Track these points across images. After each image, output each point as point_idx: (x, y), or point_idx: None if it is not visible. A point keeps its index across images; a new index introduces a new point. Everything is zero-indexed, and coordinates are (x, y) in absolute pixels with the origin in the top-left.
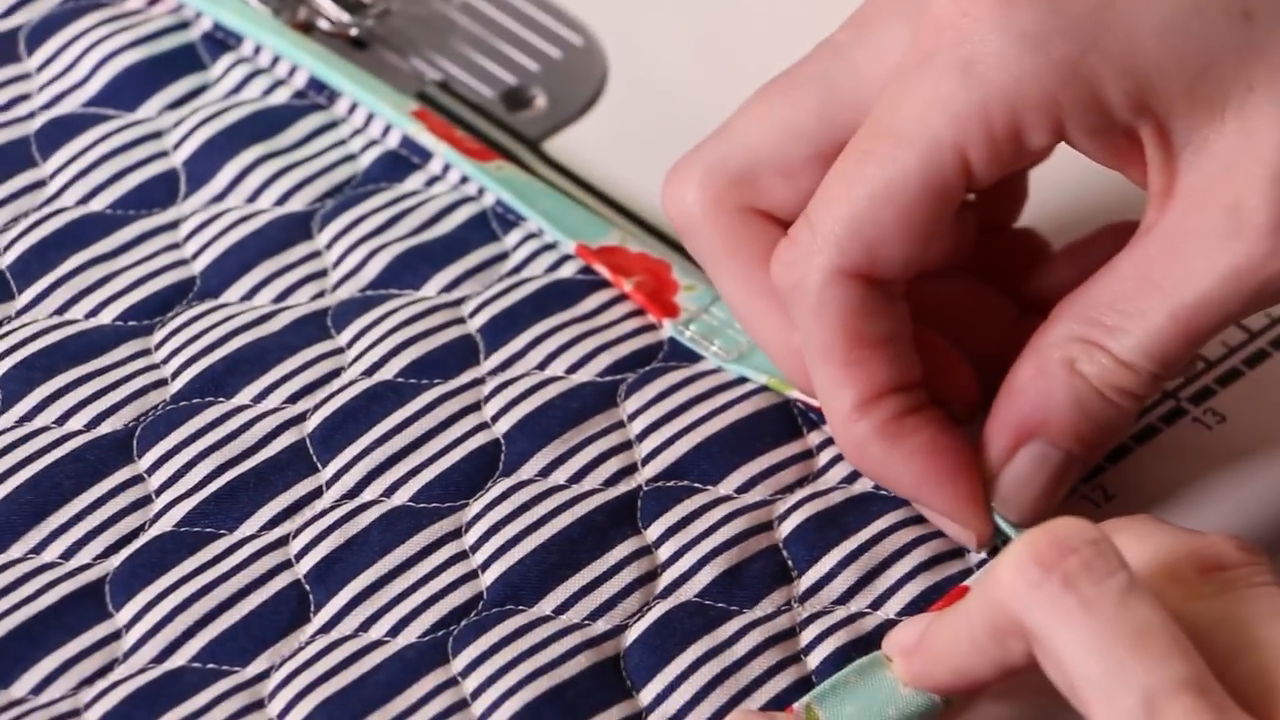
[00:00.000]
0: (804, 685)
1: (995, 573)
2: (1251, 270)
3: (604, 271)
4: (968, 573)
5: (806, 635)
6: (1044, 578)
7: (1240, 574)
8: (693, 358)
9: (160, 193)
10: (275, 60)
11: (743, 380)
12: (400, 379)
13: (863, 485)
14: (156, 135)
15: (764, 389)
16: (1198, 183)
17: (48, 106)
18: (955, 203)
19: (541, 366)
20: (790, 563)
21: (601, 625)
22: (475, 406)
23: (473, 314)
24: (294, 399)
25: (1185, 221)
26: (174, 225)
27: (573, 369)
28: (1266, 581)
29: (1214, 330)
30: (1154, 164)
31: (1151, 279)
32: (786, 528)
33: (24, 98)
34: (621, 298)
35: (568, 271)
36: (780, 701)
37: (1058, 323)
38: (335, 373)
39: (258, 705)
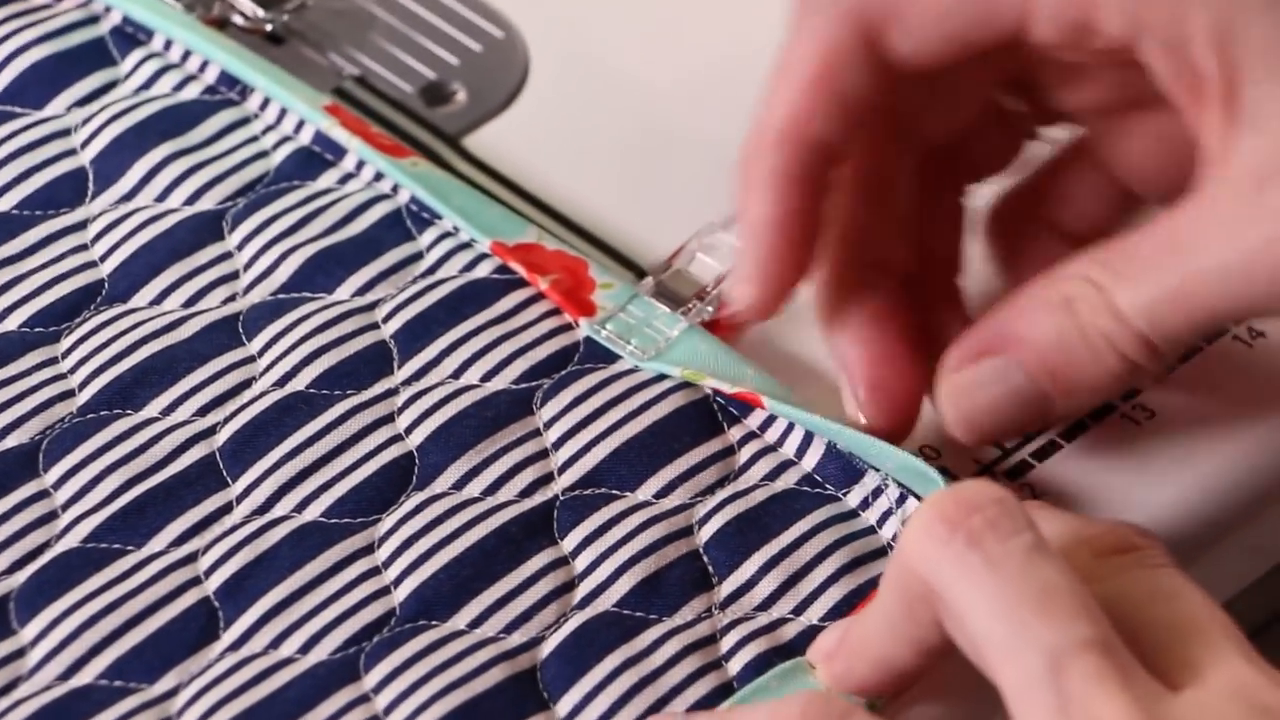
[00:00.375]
0: (724, 692)
1: (903, 536)
2: (1275, 256)
3: (520, 270)
4: None
5: (727, 641)
6: (949, 535)
7: (1137, 557)
8: (610, 358)
9: (68, 192)
10: (186, 55)
11: (660, 379)
12: (312, 390)
13: (784, 482)
14: (64, 133)
15: (683, 386)
16: (1251, 155)
17: None
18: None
19: (456, 374)
20: (710, 569)
21: (517, 638)
22: (389, 418)
23: (386, 318)
24: (204, 411)
25: (1228, 191)
26: (82, 225)
27: (488, 376)
28: (1164, 563)
29: (1218, 314)
30: (1213, 121)
31: (1177, 238)
32: (706, 532)
33: None
34: (538, 297)
35: (483, 271)
36: (700, 709)
37: (1076, 260)
38: (246, 383)
39: None
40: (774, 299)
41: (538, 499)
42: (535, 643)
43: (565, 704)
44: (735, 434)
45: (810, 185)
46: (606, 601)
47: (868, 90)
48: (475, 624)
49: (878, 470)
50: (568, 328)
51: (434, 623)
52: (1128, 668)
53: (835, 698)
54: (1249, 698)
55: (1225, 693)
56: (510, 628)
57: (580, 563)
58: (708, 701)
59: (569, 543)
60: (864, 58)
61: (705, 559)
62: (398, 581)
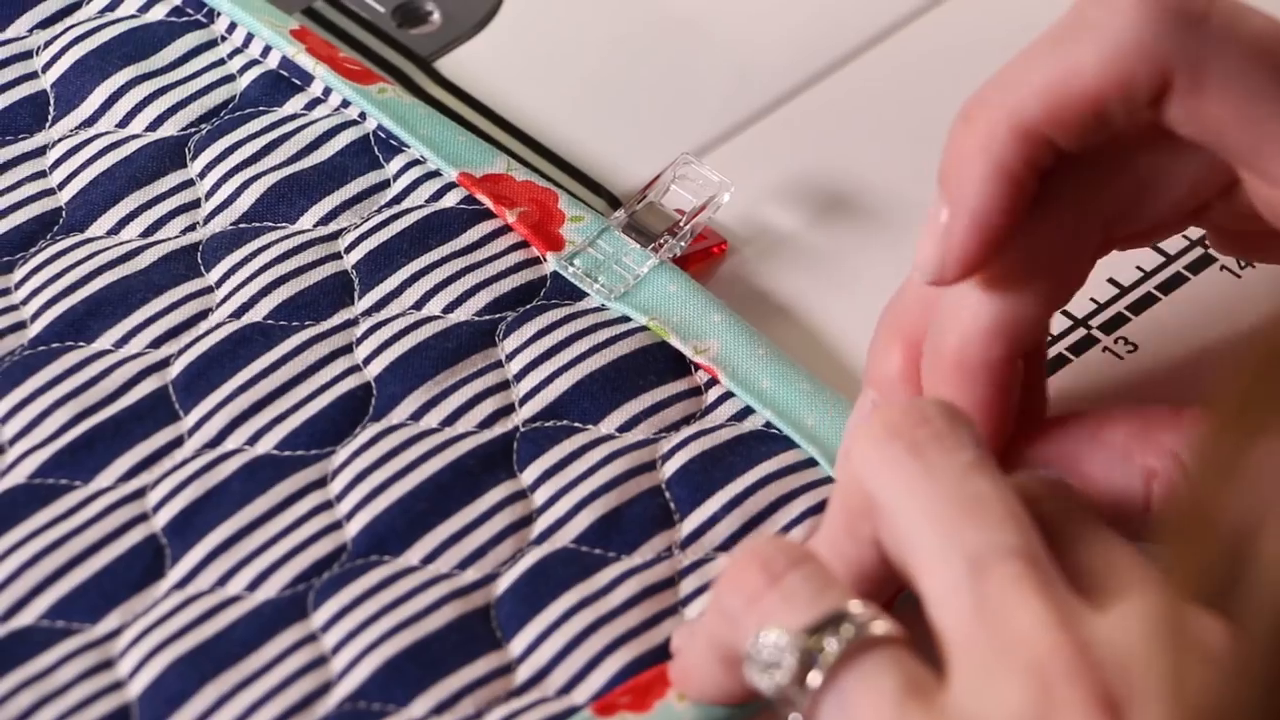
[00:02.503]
0: None
1: (852, 444)
2: None
3: (487, 202)
4: None
5: (686, 586)
6: (891, 441)
7: (1066, 502)
8: (577, 294)
9: (27, 117)
10: None
11: (626, 318)
12: (270, 321)
13: (751, 424)
14: (25, 56)
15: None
16: None
17: None
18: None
19: (418, 306)
20: (673, 505)
21: (471, 575)
22: (347, 349)
23: (349, 248)
24: (157, 343)
25: None
26: (41, 152)
27: (450, 308)
28: (1087, 508)
29: None
30: None
31: None
32: (670, 468)
33: None
34: (505, 229)
35: (450, 200)
36: (657, 655)
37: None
38: (202, 314)
39: (106, 665)
40: (956, 278)
41: (497, 430)
42: (489, 579)
43: (518, 644)
44: (702, 376)
45: (1029, 186)
46: (565, 537)
47: (1129, 126)
48: (428, 560)
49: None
50: (535, 261)
51: (386, 558)
52: (1049, 578)
53: (791, 543)
54: (1165, 619)
55: (1142, 613)
56: (464, 564)
57: (539, 497)
58: (663, 646)
59: (528, 476)
60: (1147, 86)
61: (667, 495)
62: (350, 516)
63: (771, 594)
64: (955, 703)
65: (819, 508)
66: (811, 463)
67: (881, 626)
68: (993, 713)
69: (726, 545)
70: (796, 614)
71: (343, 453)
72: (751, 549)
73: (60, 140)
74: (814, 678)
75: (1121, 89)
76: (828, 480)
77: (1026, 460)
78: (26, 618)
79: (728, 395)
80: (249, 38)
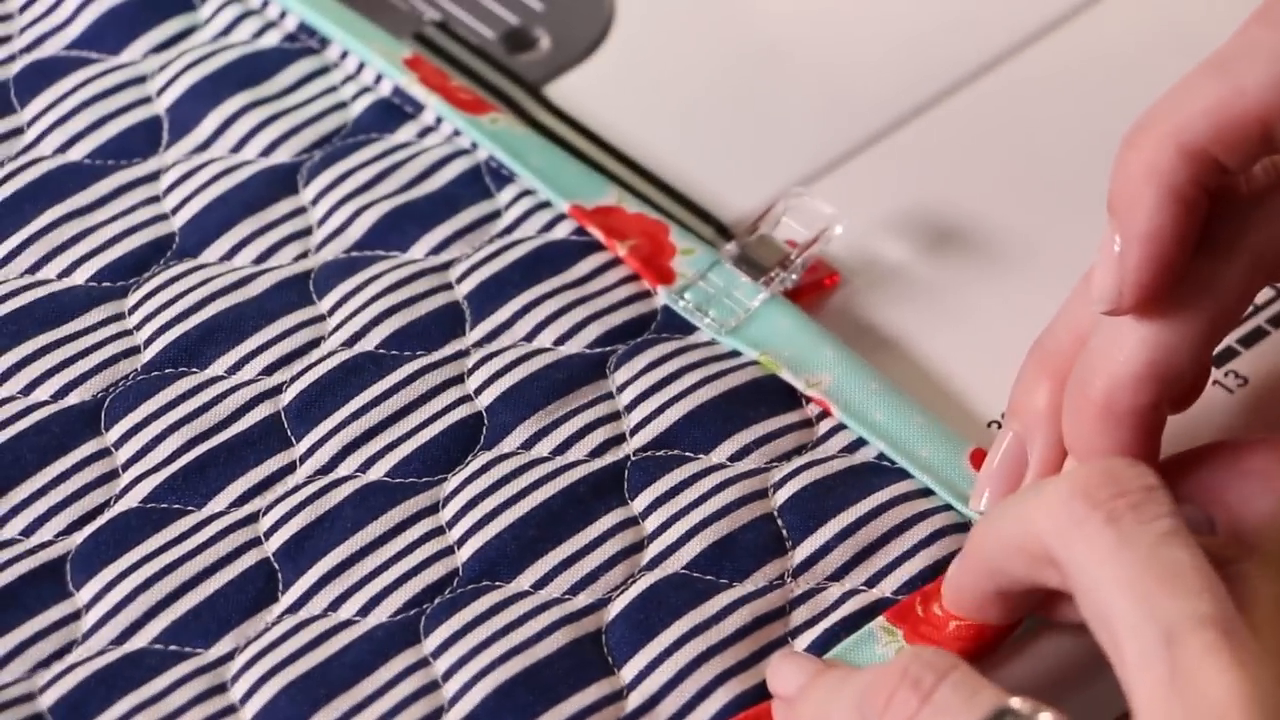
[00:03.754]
0: None
1: (1037, 500)
2: None
3: (598, 234)
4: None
5: (797, 616)
6: (1088, 513)
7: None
8: (687, 328)
9: (142, 142)
10: (266, 2)
11: (737, 353)
12: (381, 350)
13: (864, 455)
14: (140, 80)
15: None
16: None
17: (28, 49)
18: None
19: (529, 338)
20: (785, 533)
21: (582, 600)
22: (459, 379)
23: (460, 279)
24: (270, 370)
25: None
26: (155, 177)
27: (561, 340)
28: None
29: None
30: None
31: None
32: (782, 496)
33: (4, 40)
34: (616, 262)
35: (562, 232)
36: (765, 685)
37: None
38: (315, 342)
39: (220, 689)
40: (1134, 306)
41: (608, 459)
42: (601, 604)
43: (630, 670)
44: (814, 409)
45: (1200, 207)
46: (676, 563)
47: None
48: (540, 585)
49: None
50: (645, 294)
51: (497, 584)
52: (1245, 645)
53: (936, 654)
54: None
55: None
56: (576, 589)
57: (650, 523)
58: None
59: (639, 503)
60: None
61: (780, 522)
62: (461, 541)
63: (924, 712)
64: None
65: (933, 538)
66: (925, 493)
67: (1048, 715)
68: None
69: (840, 574)
70: None
71: (454, 480)
72: (899, 669)
73: (174, 165)
74: None
75: None
76: (942, 509)
77: None
78: (140, 641)
79: (839, 428)
80: (361, 65)
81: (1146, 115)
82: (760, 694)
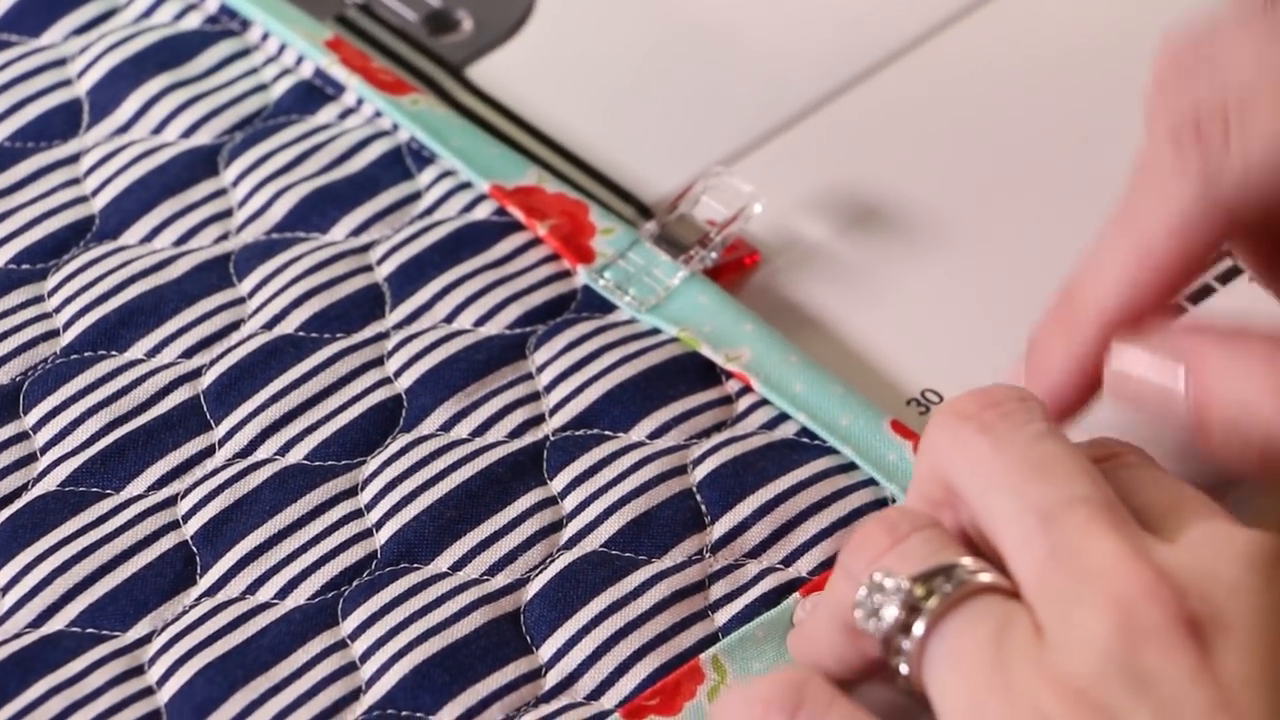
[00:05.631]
0: (711, 641)
1: (922, 438)
2: None
3: (518, 214)
4: None
5: (716, 590)
6: (962, 424)
7: (1122, 459)
8: (607, 307)
9: (62, 124)
10: None
11: (657, 330)
12: (301, 333)
13: (783, 432)
14: (61, 63)
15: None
16: None
17: None
18: None
19: (449, 319)
20: (704, 508)
21: (500, 580)
22: (378, 361)
23: (380, 260)
24: (190, 353)
25: None
26: (75, 159)
27: (481, 321)
28: (1147, 462)
29: None
30: None
31: None
32: (701, 472)
33: None
34: (536, 242)
35: (482, 212)
36: (686, 658)
37: None
38: (234, 325)
39: (137, 671)
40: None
41: (527, 440)
42: (519, 584)
43: (548, 648)
44: (733, 385)
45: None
46: (595, 541)
47: (1215, 248)
48: (458, 566)
49: (838, 453)
50: (565, 274)
51: (415, 565)
52: (1121, 518)
53: (917, 512)
54: (1240, 541)
55: (1215, 539)
56: (494, 569)
57: (569, 503)
58: (693, 650)
59: (558, 483)
60: (1217, 224)
61: (699, 498)
62: (380, 524)
63: (892, 552)
64: (1048, 638)
65: (851, 516)
66: (844, 469)
67: (988, 576)
68: (1082, 643)
69: (758, 550)
70: (910, 567)
71: (373, 462)
72: (879, 515)
73: (94, 147)
74: (919, 624)
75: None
76: (860, 486)
77: None
78: (57, 624)
79: (758, 404)
80: (282, 47)
81: (1066, 290)
82: (680, 663)
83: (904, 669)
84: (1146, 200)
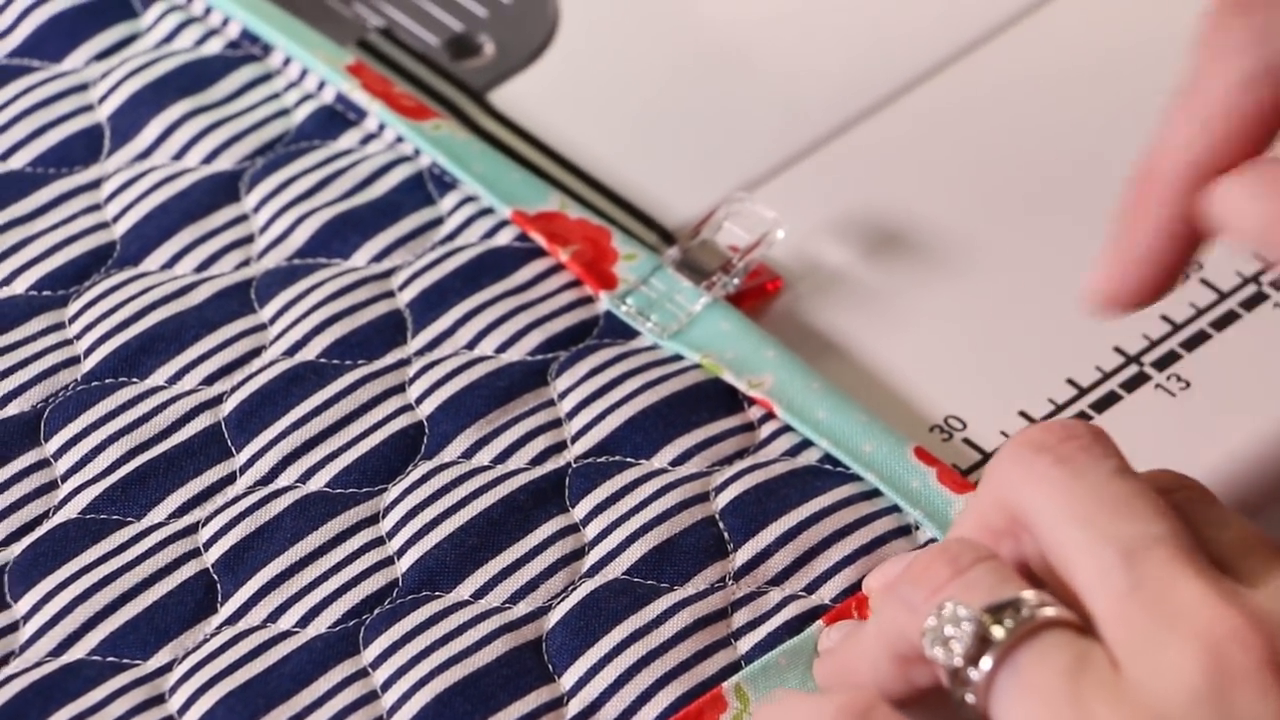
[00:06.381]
0: (733, 670)
1: (988, 467)
2: None
3: (540, 240)
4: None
5: (739, 618)
6: (1036, 457)
7: (1186, 495)
8: (629, 333)
9: (83, 150)
10: (208, 9)
11: (679, 357)
12: (323, 359)
13: (806, 459)
14: (82, 88)
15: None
16: None
17: None
18: None
19: (470, 345)
20: (726, 536)
21: (522, 608)
22: (399, 388)
23: (402, 286)
24: (210, 380)
25: None
26: (96, 185)
27: (503, 348)
28: (1210, 499)
29: None
30: None
31: None
32: (724, 499)
33: None
34: (558, 268)
35: (504, 238)
36: (708, 687)
37: None
38: (256, 351)
39: (158, 700)
40: (1135, 305)
41: (549, 467)
42: (541, 613)
43: (570, 677)
44: (755, 412)
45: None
46: (617, 569)
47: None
48: (479, 594)
49: (861, 479)
50: (588, 300)
51: (437, 593)
52: (1201, 560)
53: (978, 543)
54: None
55: None
56: (515, 597)
57: (591, 530)
58: (715, 679)
59: (580, 510)
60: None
61: (721, 525)
62: (401, 552)
63: (955, 583)
64: (1128, 675)
65: (875, 544)
66: (867, 496)
67: (1056, 610)
68: (1168, 683)
69: (780, 578)
70: (977, 598)
71: (394, 490)
72: (939, 546)
73: (115, 173)
74: (988, 659)
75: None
76: (883, 513)
77: None
78: (78, 652)
79: (781, 431)
80: (304, 72)
81: (1142, 168)
82: (702, 692)
83: (970, 699)
84: (1209, 66)
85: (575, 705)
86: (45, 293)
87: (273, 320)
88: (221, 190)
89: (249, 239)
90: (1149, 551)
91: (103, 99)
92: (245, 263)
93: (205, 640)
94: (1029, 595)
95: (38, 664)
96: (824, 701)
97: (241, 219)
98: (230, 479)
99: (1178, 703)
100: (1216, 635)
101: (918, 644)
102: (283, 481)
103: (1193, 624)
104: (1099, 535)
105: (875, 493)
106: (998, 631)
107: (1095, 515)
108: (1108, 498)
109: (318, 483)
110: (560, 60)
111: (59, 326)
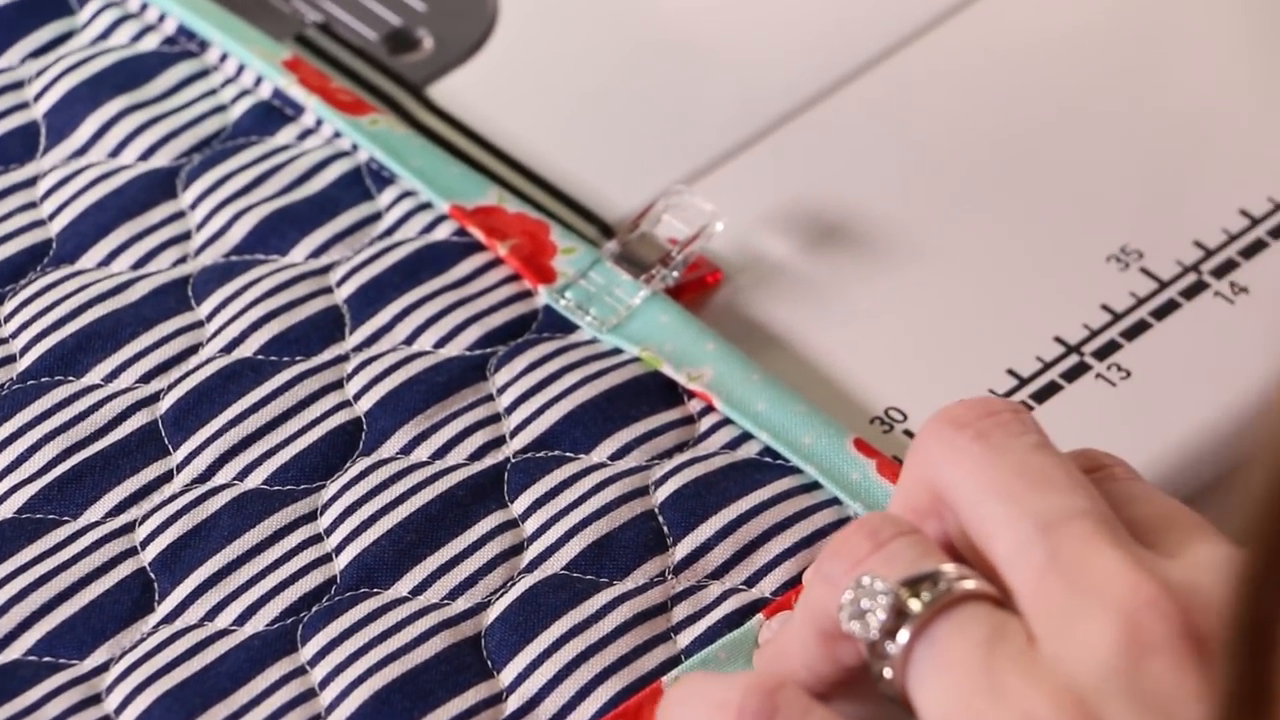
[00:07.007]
0: (673, 664)
1: (912, 445)
2: None
3: (479, 234)
4: None
5: (679, 613)
6: (956, 434)
7: (1109, 472)
8: (568, 327)
9: (18, 147)
10: (144, 6)
11: (618, 350)
12: (260, 356)
13: (746, 452)
14: (17, 85)
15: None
16: None
17: None
18: None
19: (409, 341)
20: (666, 530)
21: (461, 604)
22: (337, 384)
23: (340, 282)
24: (147, 378)
25: None
26: (32, 182)
27: (441, 343)
28: (1133, 476)
29: None
30: None
31: None
32: (663, 493)
33: None
34: (497, 262)
35: (442, 233)
36: (648, 681)
37: None
38: (193, 349)
39: (94, 699)
40: None
41: (488, 462)
42: (480, 609)
43: (509, 672)
44: (695, 405)
45: None
46: (556, 564)
47: None
48: (418, 590)
49: (801, 472)
50: (526, 294)
51: (375, 590)
52: (1119, 532)
53: (900, 517)
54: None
55: (1214, 559)
56: (454, 593)
57: (530, 525)
58: (656, 673)
59: (519, 505)
60: None
61: (661, 519)
62: (339, 549)
63: (874, 556)
64: (1043, 648)
65: (815, 536)
66: (806, 489)
67: (974, 583)
68: (1082, 654)
69: (720, 572)
70: (896, 571)
71: (332, 487)
72: (860, 520)
73: (51, 170)
74: (904, 631)
75: None
76: (823, 505)
77: None
78: (14, 653)
79: (720, 424)
80: (241, 68)
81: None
82: (642, 686)
83: (888, 674)
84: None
85: (514, 701)
86: None
87: (210, 317)
88: (158, 187)
89: (186, 236)
90: (1067, 524)
91: (38, 96)
92: (182, 259)
93: (142, 639)
94: (948, 569)
95: None
96: (732, 681)
97: (178, 216)
98: (167, 477)
99: (1092, 674)
100: (1132, 606)
101: (837, 619)
102: (220, 479)
103: (1108, 595)
104: (1017, 509)
105: (816, 485)
106: (914, 604)
107: (1013, 489)
108: (1026, 472)
109: (255, 480)
110: (499, 54)
111: None
